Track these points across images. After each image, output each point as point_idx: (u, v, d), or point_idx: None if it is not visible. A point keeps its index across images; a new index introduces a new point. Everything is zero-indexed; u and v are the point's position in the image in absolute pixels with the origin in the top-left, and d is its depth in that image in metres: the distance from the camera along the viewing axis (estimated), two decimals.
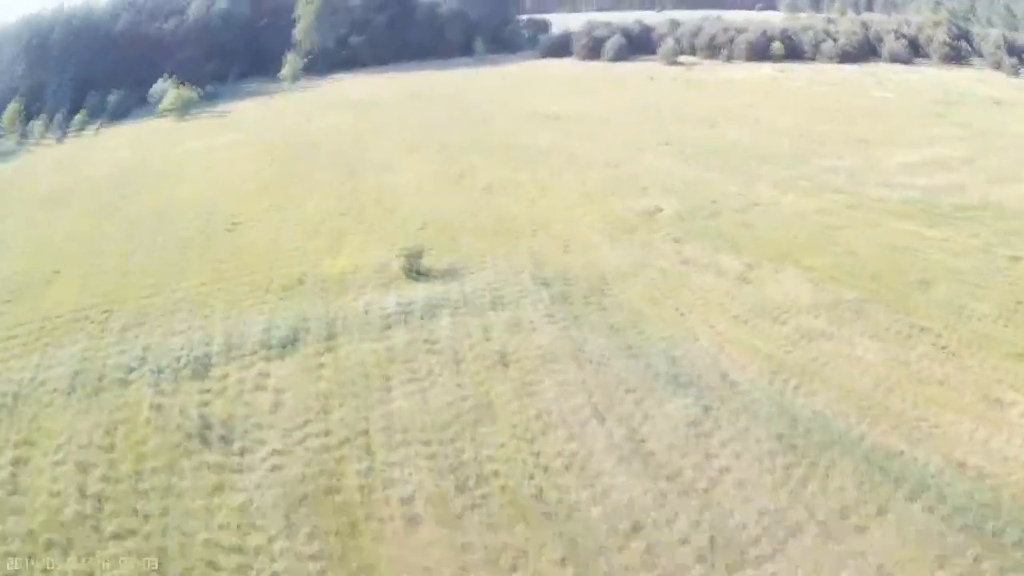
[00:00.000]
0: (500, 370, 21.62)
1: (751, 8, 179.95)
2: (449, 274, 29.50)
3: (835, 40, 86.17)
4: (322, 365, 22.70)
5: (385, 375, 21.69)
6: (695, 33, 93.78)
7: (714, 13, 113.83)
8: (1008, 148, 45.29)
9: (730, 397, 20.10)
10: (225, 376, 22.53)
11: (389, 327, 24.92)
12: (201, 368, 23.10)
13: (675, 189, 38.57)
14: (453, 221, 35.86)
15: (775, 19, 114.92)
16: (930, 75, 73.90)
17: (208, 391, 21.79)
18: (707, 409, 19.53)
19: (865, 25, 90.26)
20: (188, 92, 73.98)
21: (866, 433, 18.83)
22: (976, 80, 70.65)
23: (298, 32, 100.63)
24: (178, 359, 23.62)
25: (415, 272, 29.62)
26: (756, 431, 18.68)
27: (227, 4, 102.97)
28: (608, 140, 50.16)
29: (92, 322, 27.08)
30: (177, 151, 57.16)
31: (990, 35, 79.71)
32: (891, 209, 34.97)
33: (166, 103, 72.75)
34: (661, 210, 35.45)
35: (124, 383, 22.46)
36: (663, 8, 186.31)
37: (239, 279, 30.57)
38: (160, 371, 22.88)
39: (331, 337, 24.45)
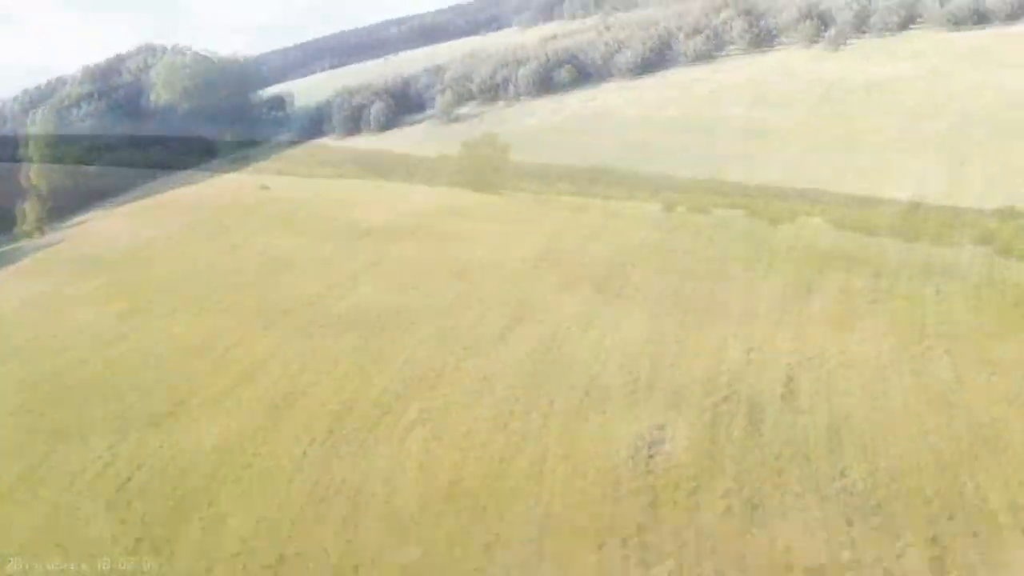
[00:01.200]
0: None
1: (476, 34, 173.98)
2: None
3: (627, 50, 77.78)
4: None
5: None
6: (467, 77, 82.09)
7: (457, 46, 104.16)
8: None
9: None
10: None
11: None
12: None
13: (638, 372, 24.66)
14: (315, 546, 19.64)
15: (520, 38, 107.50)
16: (764, 68, 66.70)
17: None
18: None
19: (652, 25, 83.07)
20: None
21: None
22: (814, 62, 64.42)
23: (31, 176, 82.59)
24: None
25: None
26: None
27: None
28: (466, 272, 35.43)
29: None
30: None
31: (791, 5, 74.65)
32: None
33: None
34: (663, 441, 21.31)
35: None
36: (388, 54, 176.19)
37: None
38: None
39: None
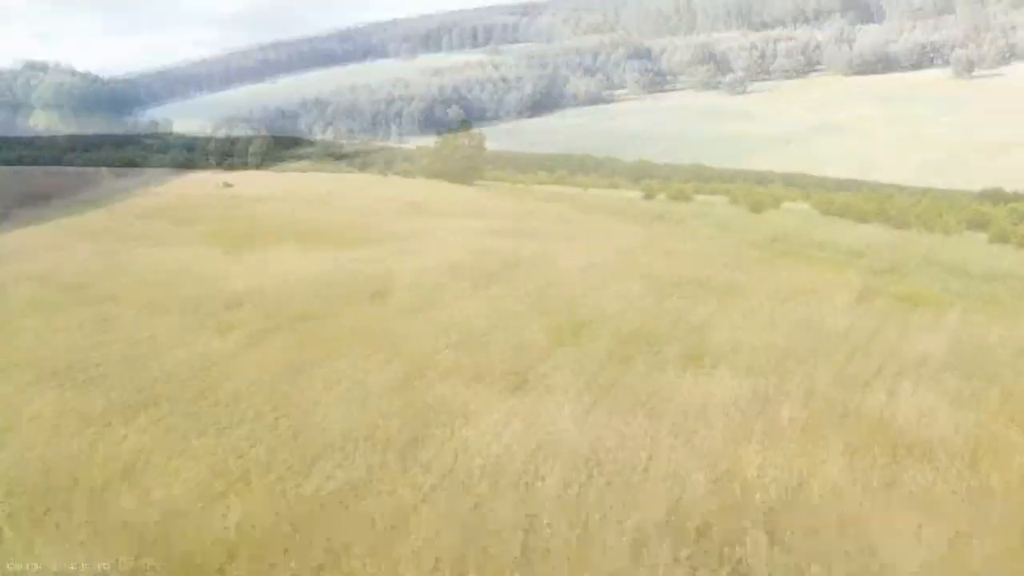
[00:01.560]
0: None
1: (363, 61, 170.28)
2: None
3: (517, 90, 76.62)
4: None
5: None
6: (350, 112, 79.11)
7: (339, 74, 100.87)
8: None
9: None
10: None
11: None
12: None
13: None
14: None
15: (403, 69, 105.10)
16: (662, 111, 65.95)
17: None
18: None
19: (542, 64, 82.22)
20: None
21: None
22: (722, 102, 64.23)
23: None
24: None
25: None
26: None
27: None
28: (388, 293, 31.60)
29: None
30: None
31: (683, 45, 75.09)
32: None
33: None
34: None
35: None
36: (269, 79, 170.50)
37: None
38: None
39: None
